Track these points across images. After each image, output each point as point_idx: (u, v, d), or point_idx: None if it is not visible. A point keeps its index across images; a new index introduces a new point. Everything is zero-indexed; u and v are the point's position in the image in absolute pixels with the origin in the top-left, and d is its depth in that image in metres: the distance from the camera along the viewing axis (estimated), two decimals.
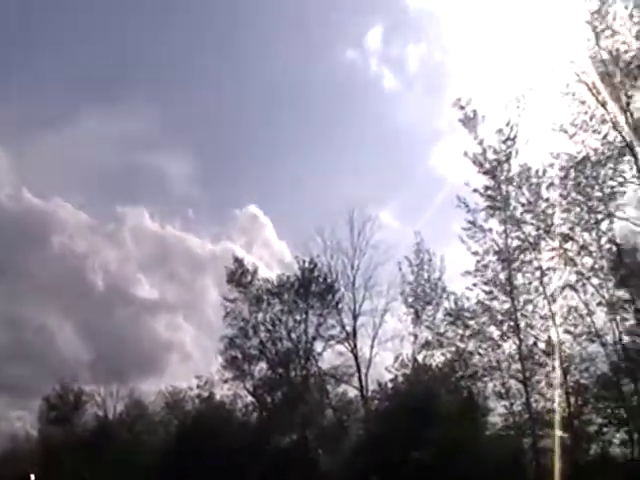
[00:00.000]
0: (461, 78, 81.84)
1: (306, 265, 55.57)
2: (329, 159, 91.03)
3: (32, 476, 70.23)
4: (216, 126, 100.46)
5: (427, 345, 46.93)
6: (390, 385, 50.90)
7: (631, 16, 36.91)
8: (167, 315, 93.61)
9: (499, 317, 41.59)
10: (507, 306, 41.23)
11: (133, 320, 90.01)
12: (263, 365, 57.36)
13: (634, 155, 37.03)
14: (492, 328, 42.05)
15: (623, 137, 37.27)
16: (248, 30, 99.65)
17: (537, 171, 40.24)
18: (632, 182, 37.32)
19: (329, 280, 54.93)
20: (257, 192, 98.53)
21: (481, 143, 41.85)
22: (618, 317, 38.49)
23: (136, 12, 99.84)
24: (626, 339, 38.48)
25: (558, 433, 37.80)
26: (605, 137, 37.71)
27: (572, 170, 38.57)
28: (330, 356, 54.83)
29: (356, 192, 76.28)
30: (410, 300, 48.81)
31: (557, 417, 38.17)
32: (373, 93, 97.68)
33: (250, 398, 58.75)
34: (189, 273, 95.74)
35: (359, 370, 52.39)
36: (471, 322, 42.75)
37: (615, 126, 37.38)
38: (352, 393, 54.68)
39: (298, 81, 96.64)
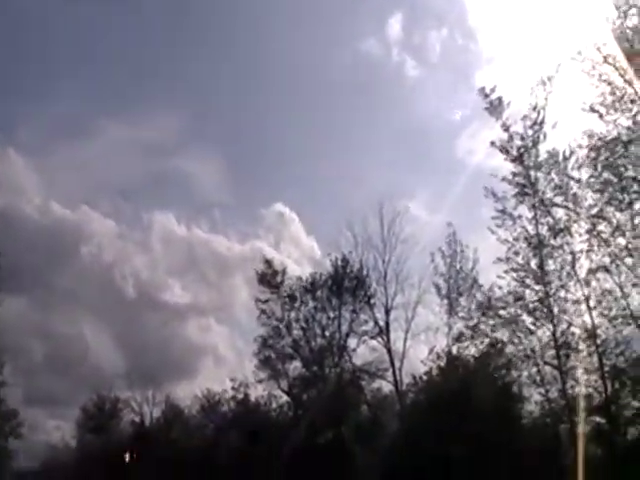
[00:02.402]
0: (485, 62, 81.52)
1: (338, 262, 55.61)
2: (354, 152, 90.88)
3: None
4: (238, 127, 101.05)
5: (461, 336, 46.45)
6: (425, 378, 50.68)
7: None
8: (199, 318, 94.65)
9: (531, 304, 41.04)
10: (540, 293, 40.73)
11: (165, 325, 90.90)
12: (297, 364, 57.60)
13: None
14: (525, 316, 41.53)
15: None
16: (268, 27, 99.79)
17: (564, 152, 39.77)
18: None
19: (361, 276, 54.89)
20: (282, 190, 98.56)
21: (507, 130, 41.36)
22: None
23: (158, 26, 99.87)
24: None
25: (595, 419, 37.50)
26: (636, 116, 37.34)
27: (603, 150, 38.15)
28: (364, 351, 54.85)
29: (383, 184, 76.73)
30: (444, 292, 48.58)
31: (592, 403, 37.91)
32: (396, 82, 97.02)
33: (285, 397, 58.91)
34: (219, 275, 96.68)
35: (393, 365, 52.27)
36: (503, 312, 42.26)
37: None
38: (387, 388, 54.82)
39: (319, 76, 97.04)
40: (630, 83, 37.18)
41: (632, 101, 37.24)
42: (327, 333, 55.92)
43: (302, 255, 78.60)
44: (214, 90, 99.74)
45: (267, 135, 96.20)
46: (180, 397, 74.65)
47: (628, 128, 37.49)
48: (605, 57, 37.68)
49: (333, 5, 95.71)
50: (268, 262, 59.09)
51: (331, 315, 55.82)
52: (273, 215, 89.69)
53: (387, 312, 53.01)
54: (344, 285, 55.33)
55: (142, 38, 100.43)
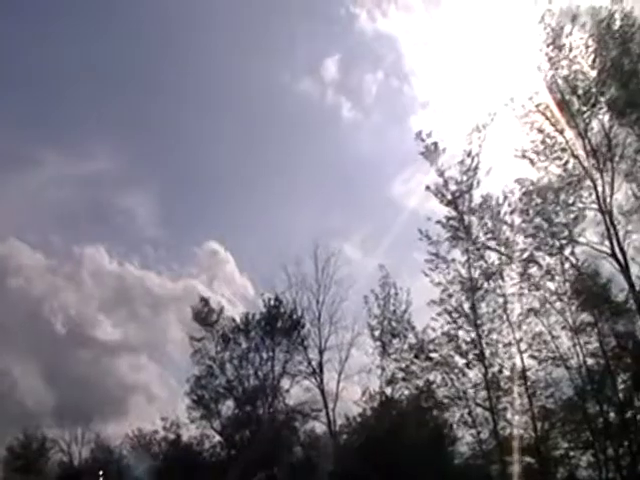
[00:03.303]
0: (420, 106, 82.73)
1: (271, 302, 55.66)
2: (289, 193, 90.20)
3: None
4: (174, 164, 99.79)
5: (394, 378, 46.77)
6: (358, 419, 50.83)
7: (587, 46, 38.10)
8: (130, 356, 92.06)
9: (464, 346, 41.57)
10: (472, 335, 41.31)
11: (96, 362, 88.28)
12: (230, 404, 57.10)
13: (593, 181, 37.98)
14: (457, 358, 42.05)
15: (582, 164, 38.28)
16: (204, 63, 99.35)
17: (498, 198, 40.83)
18: (592, 208, 38.21)
19: (295, 316, 54.90)
20: (217, 228, 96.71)
21: (442, 175, 42.27)
22: (582, 341, 39.05)
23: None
24: (590, 362, 39.04)
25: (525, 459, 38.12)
26: (565, 164, 38.66)
27: (535, 196, 39.31)
28: (298, 392, 54.59)
29: (318, 225, 76.45)
30: (377, 333, 48.85)
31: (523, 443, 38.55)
32: (331, 123, 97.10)
33: (218, 437, 58.29)
34: (151, 312, 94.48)
35: (326, 405, 51.99)
36: (435, 354, 42.74)
37: (574, 153, 38.41)
38: (320, 429, 54.52)
39: (256, 116, 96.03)
40: (561, 132, 38.66)
41: (563, 149, 38.72)
42: (260, 373, 55.63)
43: (235, 294, 77.81)
44: (151, 127, 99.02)
45: (202, 173, 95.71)
46: (111, 436, 73.25)
47: (559, 176, 38.83)
48: (537, 106, 39.12)
49: (268, 42, 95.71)
50: (204, 300, 58.83)
51: (265, 355, 55.62)
52: (207, 253, 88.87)
53: (321, 353, 52.93)
54: (278, 325, 55.26)
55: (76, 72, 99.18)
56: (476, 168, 41.46)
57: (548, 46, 38.67)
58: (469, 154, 41.53)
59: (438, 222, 42.06)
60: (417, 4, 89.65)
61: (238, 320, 57.27)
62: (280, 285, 54.58)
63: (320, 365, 52.78)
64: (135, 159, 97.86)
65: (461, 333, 41.67)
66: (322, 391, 52.48)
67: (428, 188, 42.84)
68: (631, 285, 37.23)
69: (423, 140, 42.87)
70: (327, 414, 52.08)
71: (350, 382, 51.62)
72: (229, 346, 56.77)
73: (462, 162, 41.75)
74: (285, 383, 54.94)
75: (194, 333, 57.60)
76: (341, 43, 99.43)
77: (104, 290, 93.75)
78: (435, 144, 42.68)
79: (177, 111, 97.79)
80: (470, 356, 41.38)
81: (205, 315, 57.83)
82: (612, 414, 38.94)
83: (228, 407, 57.13)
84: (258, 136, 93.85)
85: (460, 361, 41.87)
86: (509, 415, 40.33)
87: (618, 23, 37.50)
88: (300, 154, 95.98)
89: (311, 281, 53.45)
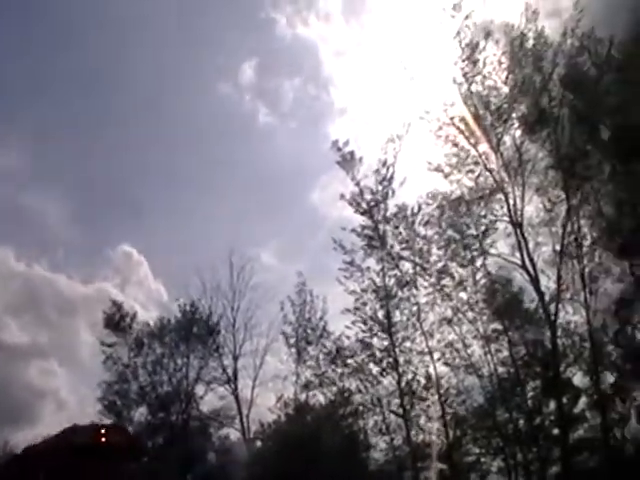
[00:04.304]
0: (337, 113, 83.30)
1: (186, 308, 55.25)
2: (205, 198, 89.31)
3: None
4: (87, 167, 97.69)
5: (309, 384, 47.04)
6: (273, 426, 50.95)
7: (500, 62, 39.08)
8: (39, 361, 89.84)
9: (378, 354, 42.04)
10: (386, 343, 41.80)
11: (2, 367, 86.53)
12: (143, 410, 56.33)
13: (505, 194, 39.00)
14: (372, 365, 42.52)
15: (494, 177, 39.28)
16: (116, 66, 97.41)
17: (413, 208, 41.42)
18: (503, 220, 39.29)
19: (210, 323, 54.68)
20: (130, 231, 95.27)
21: (358, 184, 42.48)
22: (493, 349, 40.13)
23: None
24: (500, 370, 40.19)
25: (438, 465, 38.93)
26: (478, 177, 39.57)
27: (448, 208, 40.10)
28: (212, 399, 54.35)
29: (234, 231, 75.63)
30: (292, 340, 49.01)
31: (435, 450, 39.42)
32: (248, 129, 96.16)
33: None
34: (60, 315, 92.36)
35: (240, 412, 52.12)
36: (350, 361, 43.14)
37: (486, 167, 39.38)
38: (234, 435, 54.44)
39: (171, 119, 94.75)
40: (474, 145, 39.58)
41: (476, 163, 39.64)
42: (175, 380, 55.06)
43: (148, 298, 77.09)
44: (64, 127, 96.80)
45: (116, 176, 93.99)
46: (19, 443, 71.59)
47: (471, 188, 39.70)
48: (451, 119, 39.90)
49: (184, 43, 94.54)
50: (116, 305, 57.92)
51: (179, 362, 55.08)
52: (119, 256, 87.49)
53: (235, 359, 52.94)
54: (193, 331, 54.94)
55: None
56: (391, 178, 41.82)
57: (463, 61, 39.41)
58: (384, 164, 41.82)
59: (353, 231, 42.44)
60: (337, 14, 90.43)
61: (152, 325, 56.71)
62: (195, 291, 54.36)
63: (235, 372, 52.75)
64: (48, 161, 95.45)
65: (375, 341, 42.12)
66: (236, 397, 52.46)
67: (343, 197, 43.21)
68: (540, 295, 38.41)
69: (339, 149, 43.10)
70: (241, 421, 52.18)
71: (265, 389, 51.79)
72: (142, 351, 55.95)
73: (377, 172, 42.17)
74: (199, 390, 54.67)
75: (106, 338, 56.71)
76: (260, 48, 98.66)
77: (10, 293, 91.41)
78: (351, 153, 42.81)
79: (96, 115, 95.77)
80: (384, 364, 41.84)
81: (118, 320, 56.77)
82: (522, 421, 40.19)
83: (141, 413, 56.23)
84: (173, 139, 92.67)
85: (374, 368, 42.43)
86: (422, 422, 41.20)
87: (531, 42, 38.51)
88: (216, 158, 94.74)
89: (226, 287, 53.49)
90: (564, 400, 38.81)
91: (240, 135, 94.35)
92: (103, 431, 32.53)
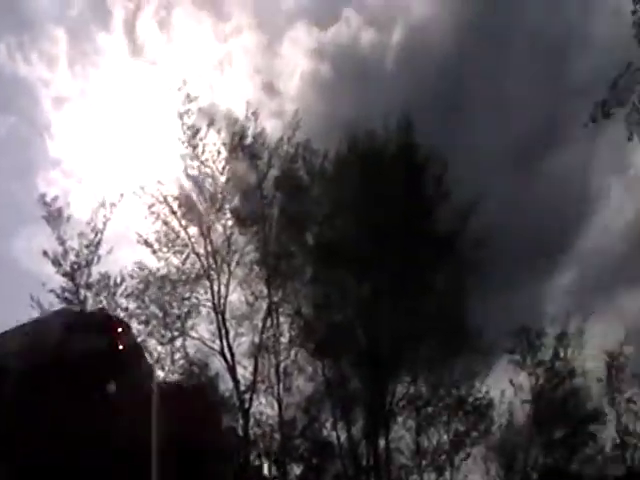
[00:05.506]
0: (51, 164, 77.66)
1: None
2: None
3: None
4: None
5: None
6: None
7: (219, 152, 40.28)
8: None
9: None
10: None
11: None
12: None
13: (210, 281, 40.07)
14: None
15: (201, 262, 40.29)
16: None
17: (116, 279, 40.42)
18: (206, 305, 40.29)
19: None
20: None
21: (63, 244, 40.27)
22: None
23: None
24: None
25: None
26: (186, 259, 40.19)
27: (152, 284, 40.12)
28: None
29: None
30: None
31: None
32: None
33: None
34: None
35: None
36: None
37: (195, 250, 40.26)
38: None
39: None
40: (185, 228, 40.21)
41: (185, 245, 40.22)
42: None
43: None
44: None
45: None
46: None
47: (178, 269, 40.23)
48: (165, 197, 40.22)
49: None
50: None
51: None
52: None
53: None
54: None
55: None
56: (98, 244, 40.47)
57: (183, 142, 40.20)
58: (93, 229, 40.82)
59: (51, 291, 40.75)
60: (63, 60, 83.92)
61: None
62: None
63: None
64: None
65: None
66: None
67: (46, 254, 41.68)
68: (236, 383, 39.81)
69: (46, 204, 41.50)
70: None
71: None
72: None
73: (85, 235, 41.19)
74: None
75: None
76: None
77: None
78: (59, 210, 41.09)
79: None
80: None
81: None
82: None
83: None
84: None
85: None
86: None
87: (250, 139, 40.09)
88: None
89: None
90: None
91: None
92: None
